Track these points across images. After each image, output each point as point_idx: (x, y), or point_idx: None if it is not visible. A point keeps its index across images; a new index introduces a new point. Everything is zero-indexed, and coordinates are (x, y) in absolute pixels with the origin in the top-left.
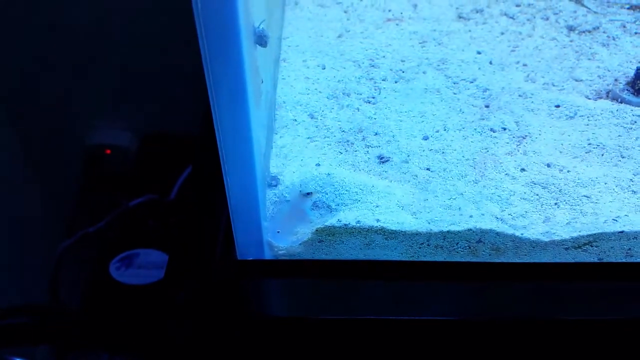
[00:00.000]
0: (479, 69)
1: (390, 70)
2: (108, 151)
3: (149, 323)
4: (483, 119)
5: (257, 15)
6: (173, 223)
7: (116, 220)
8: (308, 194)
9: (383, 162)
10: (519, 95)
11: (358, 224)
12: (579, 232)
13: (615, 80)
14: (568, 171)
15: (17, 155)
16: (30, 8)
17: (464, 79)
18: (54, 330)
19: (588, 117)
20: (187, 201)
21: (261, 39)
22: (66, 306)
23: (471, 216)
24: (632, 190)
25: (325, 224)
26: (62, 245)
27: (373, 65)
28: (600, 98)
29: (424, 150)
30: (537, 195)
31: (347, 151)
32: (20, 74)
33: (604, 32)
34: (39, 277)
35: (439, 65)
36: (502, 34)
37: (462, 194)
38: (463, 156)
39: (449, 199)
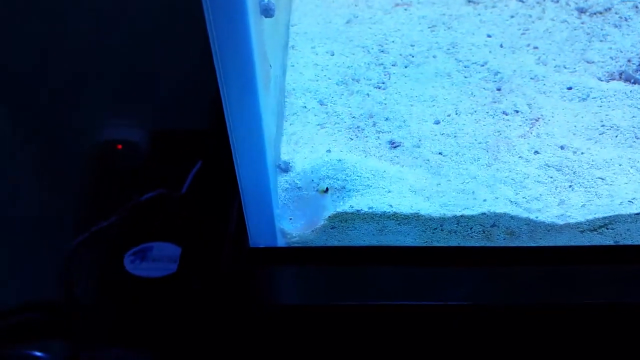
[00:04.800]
0: (490, 52)
1: (400, 55)
2: (119, 146)
3: (164, 315)
4: (495, 102)
5: None
6: (185, 216)
7: (128, 214)
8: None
9: (394, 147)
10: (531, 78)
11: (370, 210)
12: (594, 214)
13: (629, 61)
14: (582, 153)
15: (29, 152)
16: (37, 5)
17: (475, 63)
18: (69, 325)
19: (601, 98)
20: (199, 193)
21: (267, 11)
22: (80, 300)
23: (485, 200)
24: None
25: (338, 210)
26: (76, 240)
27: (382, 51)
28: (613, 79)
29: (435, 135)
30: (551, 177)
31: (357, 137)
32: (30, 70)
33: (615, 13)
34: (53, 272)
35: (449, 49)
36: (512, 17)
37: (475, 177)
38: (475, 139)
39: (462, 183)
